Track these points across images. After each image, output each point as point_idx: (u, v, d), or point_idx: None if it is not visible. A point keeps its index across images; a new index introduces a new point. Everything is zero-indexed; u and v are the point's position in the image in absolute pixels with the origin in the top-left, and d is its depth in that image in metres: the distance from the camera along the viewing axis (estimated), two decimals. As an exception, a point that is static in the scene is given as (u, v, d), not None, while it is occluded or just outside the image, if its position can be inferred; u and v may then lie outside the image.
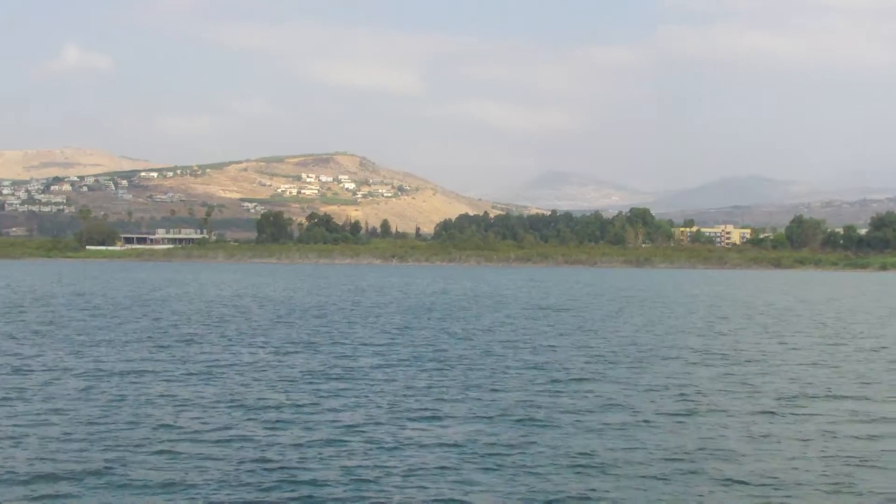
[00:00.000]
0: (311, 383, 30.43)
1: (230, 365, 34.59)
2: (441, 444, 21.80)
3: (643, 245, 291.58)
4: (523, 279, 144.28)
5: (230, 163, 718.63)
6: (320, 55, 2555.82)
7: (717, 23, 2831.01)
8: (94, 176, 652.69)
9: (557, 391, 29.22)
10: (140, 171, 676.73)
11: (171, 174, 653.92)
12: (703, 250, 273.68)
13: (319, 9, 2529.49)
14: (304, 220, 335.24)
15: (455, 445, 21.69)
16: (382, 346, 41.29)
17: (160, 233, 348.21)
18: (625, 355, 38.85)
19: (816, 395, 29.37)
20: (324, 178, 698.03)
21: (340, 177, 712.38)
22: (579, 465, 20.12)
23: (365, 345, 41.90)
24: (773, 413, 26.12)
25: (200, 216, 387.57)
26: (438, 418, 24.78)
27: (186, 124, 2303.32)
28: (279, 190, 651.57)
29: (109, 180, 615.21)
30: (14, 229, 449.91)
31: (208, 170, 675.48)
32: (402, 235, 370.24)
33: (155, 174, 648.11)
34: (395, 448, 21.49)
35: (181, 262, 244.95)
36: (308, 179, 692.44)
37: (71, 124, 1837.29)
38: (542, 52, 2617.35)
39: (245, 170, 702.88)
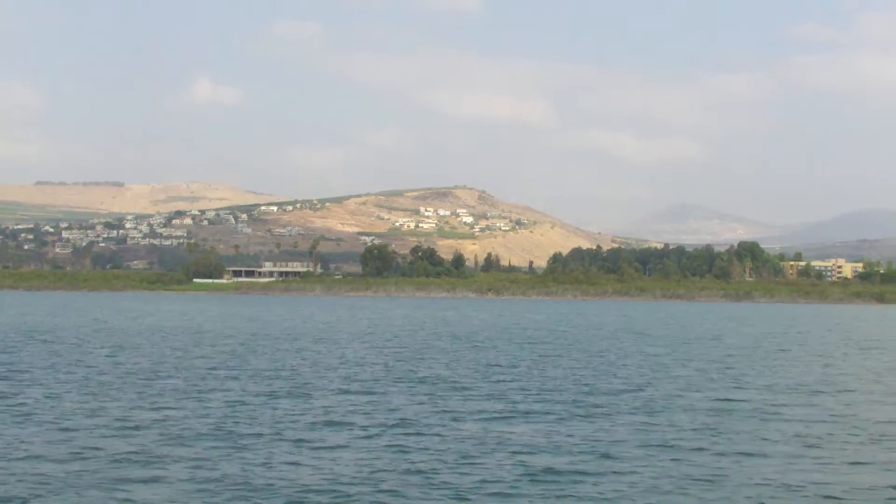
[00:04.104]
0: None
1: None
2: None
3: (748, 279, 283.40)
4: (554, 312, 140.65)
5: (349, 196, 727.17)
6: (445, 86, 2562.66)
7: (845, 52, 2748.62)
8: (216, 210, 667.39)
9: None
10: (261, 205, 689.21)
11: (290, 208, 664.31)
12: (806, 284, 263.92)
13: (446, 39, 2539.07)
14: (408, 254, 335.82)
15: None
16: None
17: (267, 266, 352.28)
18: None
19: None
20: (441, 212, 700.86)
21: (459, 210, 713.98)
22: None
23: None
24: None
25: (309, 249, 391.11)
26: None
27: (312, 157, 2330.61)
28: (397, 224, 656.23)
29: (230, 214, 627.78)
30: (135, 262, 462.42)
31: (328, 203, 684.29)
32: (512, 269, 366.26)
33: (275, 208, 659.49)
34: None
35: (276, 296, 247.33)
36: (426, 213, 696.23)
37: (198, 158, 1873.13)
38: (666, 82, 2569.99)
39: (364, 203, 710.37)
